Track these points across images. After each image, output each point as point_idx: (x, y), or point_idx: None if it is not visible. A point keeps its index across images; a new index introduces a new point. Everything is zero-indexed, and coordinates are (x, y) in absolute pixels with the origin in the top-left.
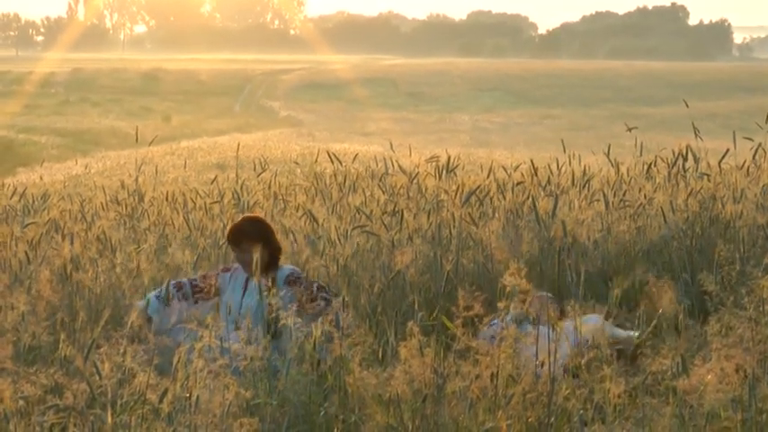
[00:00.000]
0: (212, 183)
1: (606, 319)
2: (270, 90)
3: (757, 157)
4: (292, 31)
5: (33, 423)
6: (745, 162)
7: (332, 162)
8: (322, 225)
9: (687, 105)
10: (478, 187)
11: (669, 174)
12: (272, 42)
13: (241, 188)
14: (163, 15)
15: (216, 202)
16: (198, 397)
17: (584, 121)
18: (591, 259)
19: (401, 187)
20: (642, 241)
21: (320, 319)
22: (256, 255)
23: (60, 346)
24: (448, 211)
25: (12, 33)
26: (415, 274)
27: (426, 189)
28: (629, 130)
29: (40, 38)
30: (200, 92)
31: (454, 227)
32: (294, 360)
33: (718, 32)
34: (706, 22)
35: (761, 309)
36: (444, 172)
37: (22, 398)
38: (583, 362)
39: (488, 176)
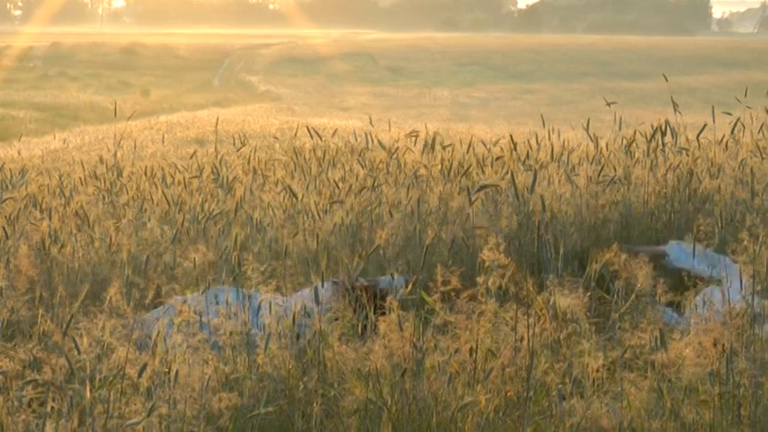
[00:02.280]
0: (191, 157)
1: None
2: (249, 65)
3: (736, 131)
4: (271, 6)
5: (12, 398)
6: (723, 137)
7: (311, 137)
8: (301, 200)
9: (667, 80)
10: (469, 168)
11: (648, 148)
12: (251, 17)
13: (220, 163)
14: None
15: (195, 177)
16: (177, 372)
17: (564, 96)
18: (569, 234)
19: (380, 162)
20: (620, 212)
21: (299, 294)
22: None
23: (39, 320)
24: (427, 185)
25: None
26: (393, 249)
27: (406, 164)
28: (609, 104)
29: (17, 12)
30: (179, 66)
31: (436, 202)
32: (273, 335)
33: (698, 7)
34: None
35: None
36: (424, 147)
37: (1, 373)
38: (562, 336)
39: (468, 151)
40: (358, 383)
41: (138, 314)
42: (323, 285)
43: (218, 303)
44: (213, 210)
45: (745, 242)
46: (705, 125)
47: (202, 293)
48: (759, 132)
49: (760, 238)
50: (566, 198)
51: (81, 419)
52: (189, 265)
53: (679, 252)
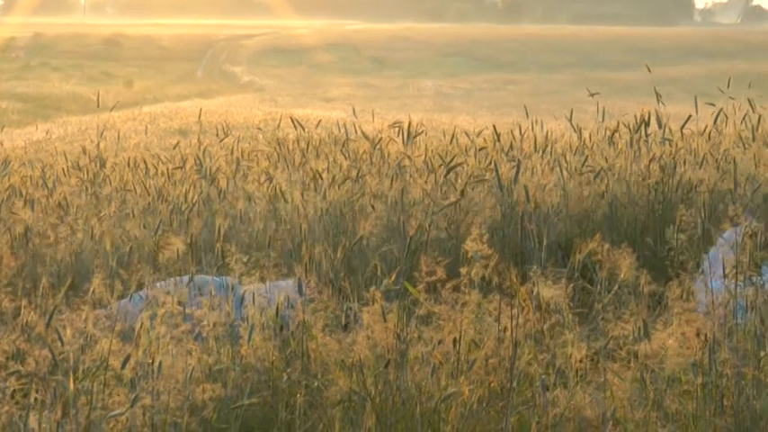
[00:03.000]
0: (174, 148)
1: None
2: (232, 55)
3: (718, 122)
4: None
5: None
6: (706, 127)
7: (294, 128)
8: (284, 191)
9: (650, 70)
10: (457, 162)
11: (631, 139)
12: (234, 7)
13: (203, 154)
14: None
15: (178, 167)
16: (161, 363)
17: (547, 87)
18: (553, 224)
19: (364, 153)
20: (604, 206)
21: (283, 285)
22: None
23: (22, 312)
24: (410, 176)
25: None
26: (377, 240)
27: (389, 155)
28: (592, 95)
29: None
30: (162, 57)
31: (419, 193)
32: (257, 326)
33: None
34: None
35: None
36: (407, 137)
37: None
38: (545, 327)
39: (451, 142)
40: (341, 374)
41: (120, 302)
42: (306, 277)
43: (201, 294)
44: (196, 201)
45: (728, 227)
46: (690, 116)
47: (187, 285)
48: (742, 123)
49: (743, 229)
50: (549, 188)
51: (64, 411)
52: (172, 256)
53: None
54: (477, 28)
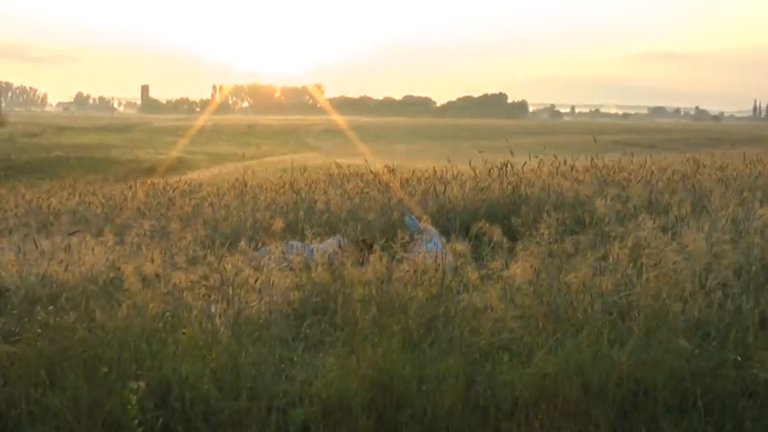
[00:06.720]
0: (280, 177)
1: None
2: (307, 133)
3: (540, 164)
4: (318, 105)
5: (196, 292)
6: (533, 168)
7: (337, 167)
8: (331, 198)
9: (507, 140)
10: (411, 183)
11: (499, 173)
12: (308, 110)
13: (293, 180)
14: (257, 96)
15: (282, 186)
16: (273, 281)
17: (460, 148)
18: (461, 214)
19: (371, 179)
20: (486, 203)
21: (330, 242)
22: None
23: (207, 256)
24: (394, 192)
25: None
26: (376, 221)
27: (382, 180)
28: (480, 152)
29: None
30: (274, 134)
31: (396, 199)
32: (319, 263)
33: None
34: (518, 100)
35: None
36: (391, 172)
37: (190, 281)
38: (458, 263)
39: (411, 174)
40: (360, 286)
41: (253, 252)
42: (342, 238)
43: (292, 248)
44: (288, 201)
45: (545, 216)
46: (525, 162)
47: (285, 243)
48: (551, 165)
49: (553, 216)
50: (458, 197)
51: (228, 303)
52: (277, 229)
53: (410, 222)
54: (425, 120)
